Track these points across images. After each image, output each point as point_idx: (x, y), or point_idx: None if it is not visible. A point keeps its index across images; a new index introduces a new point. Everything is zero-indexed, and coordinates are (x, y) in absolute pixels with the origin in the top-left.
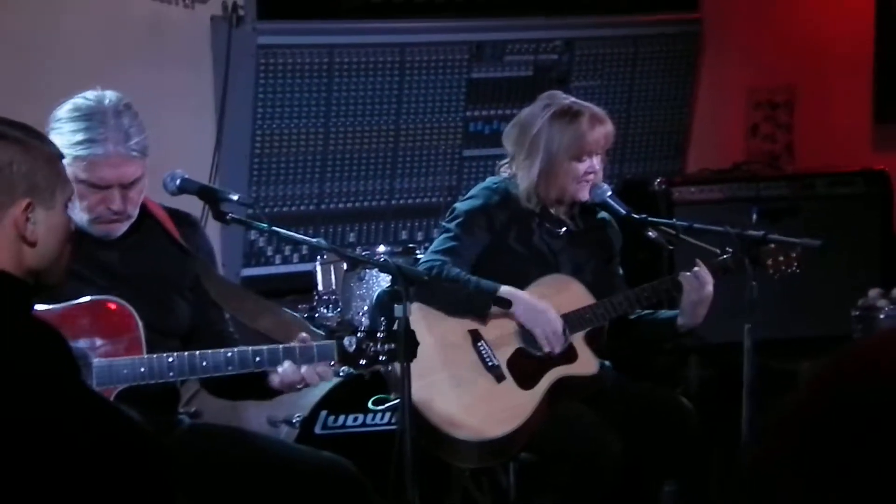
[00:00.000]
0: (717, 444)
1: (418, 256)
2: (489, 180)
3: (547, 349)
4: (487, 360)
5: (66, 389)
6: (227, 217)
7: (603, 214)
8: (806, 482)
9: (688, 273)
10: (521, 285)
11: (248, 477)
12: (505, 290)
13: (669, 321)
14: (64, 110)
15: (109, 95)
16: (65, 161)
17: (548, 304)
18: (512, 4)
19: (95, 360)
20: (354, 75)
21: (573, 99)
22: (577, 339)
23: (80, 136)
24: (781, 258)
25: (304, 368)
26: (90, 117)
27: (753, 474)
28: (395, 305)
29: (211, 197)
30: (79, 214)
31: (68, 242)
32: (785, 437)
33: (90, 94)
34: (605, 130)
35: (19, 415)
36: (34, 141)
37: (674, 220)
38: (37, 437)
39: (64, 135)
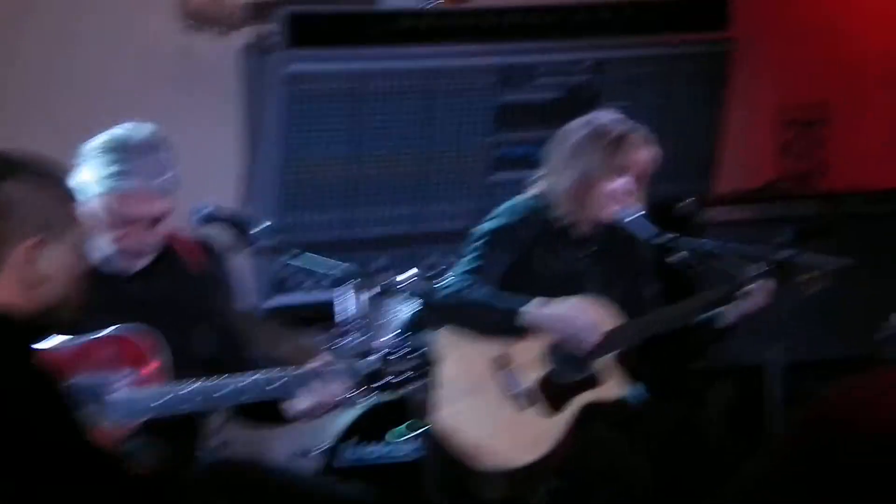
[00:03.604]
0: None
1: (446, 281)
2: (514, 199)
3: (581, 351)
4: (513, 386)
5: (54, 434)
6: (257, 245)
7: (631, 232)
8: None
9: (755, 288)
10: None
11: None
12: (530, 307)
13: (711, 322)
14: (99, 142)
15: (145, 129)
16: (96, 192)
17: (573, 308)
18: (540, 27)
19: (116, 394)
20: (384, 101)
21: (622, 118)
22: (607, 363)
23: (113, 169)
24: (812, 276)
25: (321, 391)
26: (125, 150)
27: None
28: (421, 333)
29: (240, 225)
30: (104, 246)
31: (79, 279)
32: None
33: (126, 127)
34: (647, 153)
35: (6, 460)
36: (50, 179)
37: (703, 240)
38: (25, 480)
39: (98, 166)
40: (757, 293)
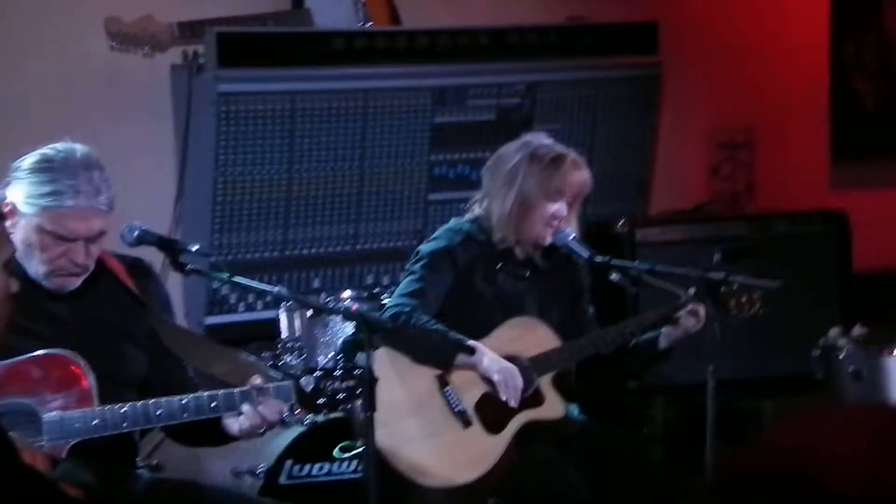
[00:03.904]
0: (683, 486)
1: (384, 302)
2: (453, 222)
3: (504, 398)
4: (454, 405)
5: None
6: (187, 268)
7: (568, 253)
8: None
9: (690, 311)
10: (487, 327)
11: None
12: (471, 343)
13: (648, 344)
14: (30, 161)
15: (79, 149)
16: (29, 212)
17: (509, 363)
18: (474, 50)
19: (47, 415)
20: (317, 121)
21: (554, 141)
22: (545, 383)
23: (49, 188)
24: (744, 299)
25: (261, 408)
26: (61, 169)
27: None
28: (359, 353)
29: (170, 248)
30: (36, 266)
31: (7, 303)
32: None
33: (59, 146)
34: (581, 177)
35: None
36: None
37: (636, 261)
38: None
39: (31, 184)
40: (691, 316)
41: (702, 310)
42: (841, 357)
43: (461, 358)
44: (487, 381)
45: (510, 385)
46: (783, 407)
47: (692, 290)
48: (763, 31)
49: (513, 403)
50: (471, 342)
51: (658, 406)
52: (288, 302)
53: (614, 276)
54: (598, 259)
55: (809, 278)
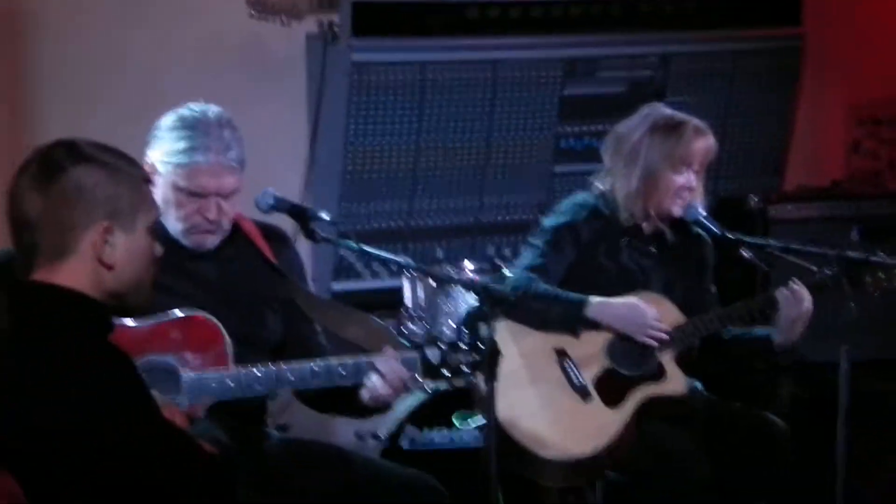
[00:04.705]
0: (811, 467)
1: (506, 274)
2: (578, 196)
3: (648, 342)
4: (574, 378)
5: (129, 411)
6: (317, 236)
7: (697, 230)
8: None
9: (784, 290)
10: None
11: (333, 492)
12: (594, 300)
13: (765, 338)
14: (168, 120)
15: (213, 109)
16: (165, 169)
17: (635, 299)
18: (606, 20)
19: (185, 375)
20: (447, 92)
21: (674, 111)
22: (667, 358)
23: (182, 145)
24: (882, 277)
25: (389, 377)
26: (194, 127)
27: None
28: (482, 324)
29: (301, 216)
30: (173, 224)
31: (151, 266)
32: None
33: (194, 106)
34: (706, 143)
35: (84, 433)
36: (121, 164)
37: (769, 238)
38: (98, 455)
39: (167, 142)
40: (790, 296)
41: (801, 290)
42: None
43: (586, 313)
44: (612, 347)
45: (641, 327)
46: None
47: (821, 270)
48: None
49: (656, 343)
50: (594, 299)
51: (787, 385)
52: (413, 272)
53: (746, 253)
54: (730, 235)
55: None
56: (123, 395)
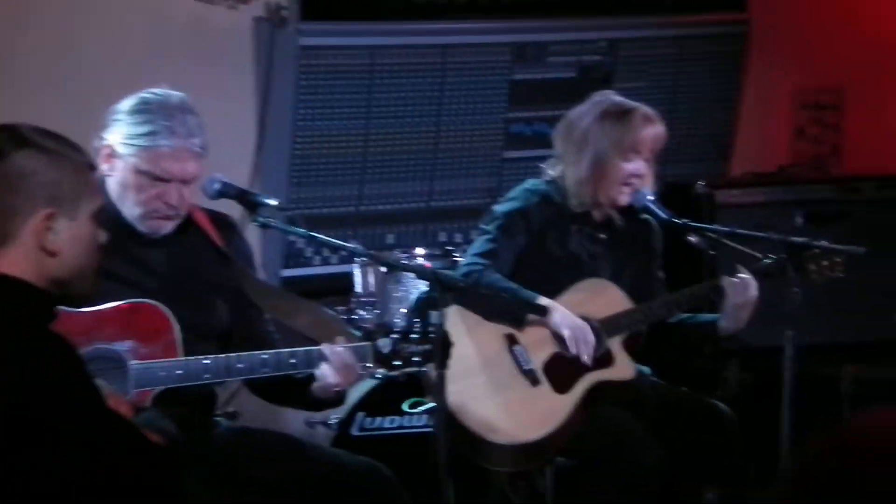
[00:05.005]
0: (757, 451)
1: (457, 259)
2: (529, 182)
3: (575, 353)
4: (523, 363)
5: (72, 400)
6: (265, 222)
7: (645, 216)
8: None
9: (730, 277)
10: (559, 289)
11: (283, 480)
12: (543, 300)
13: (711, 324)
14: (129, 103)
15: (175, 94)
16: (126, 152)
17: (584, 319)
18: (555, 5)
19: (132, 363)
20: (395, 76)
21: (624, 98)
22: (615, 344)
23: (146, 128)
24: (825, 263)
25: (338, 367)
26: (157, 111)
27: None
28: (432, 311)
29: (249, 202)
30: (130, 208)
31: (96, 253)
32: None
33: (157, 91)
34: (655, 131)
35: (25, 422)
36: (65, 149)
37: (716, 224)
38: (39, 444)
39: (128, 125)
40: (737, 285)
41: (747, 277)
42: None
43: (532, 316)
44: (558, 338)
45: (581, 340)
46: (862, 373)
47: (766, 256)
48: None
49: (585, 359)
50: (542, 300)
51: (733, 370)
52: (362, 258)
53: (693, 239)
54: (677, 220)
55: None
56: (67, 384)
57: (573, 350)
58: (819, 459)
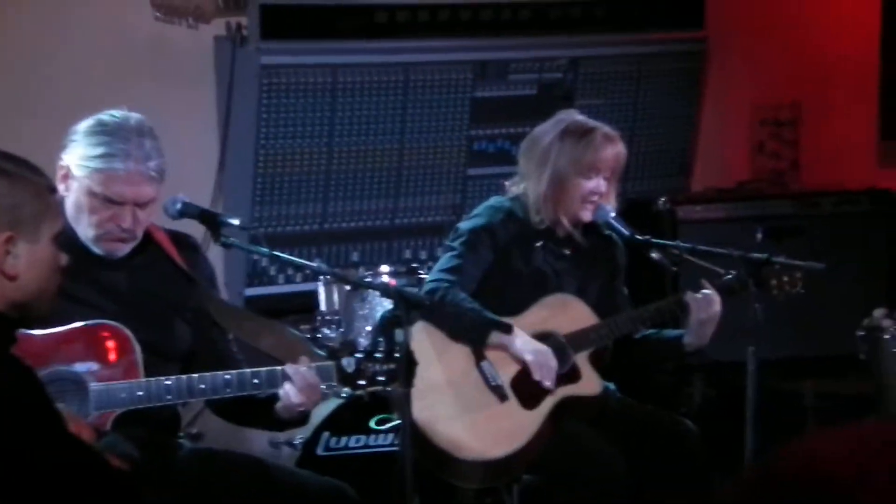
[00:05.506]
0: (721, 466)
1: (422, 276)
2: (493, 199)
3: (537, 378)
4: (491, 379)
5: (31, 426)
6: (228, 242)
7: (608, 232)
8: None
9: (694, 292)
10: (524, 305)
11: (247, 502)
12: (505, 322)
13: (675, 340)
14: (86, 124)
15: (134, 116)
16: (81, 174)
17: (543, 345)
18: (516, 23)
19: (93, 385)
20: (358, 95)
21: (587, 117)
22: (581, 360)
23: (101, 150)
24: (786, 279)
25: (301, 388)
26: (114, 133)
27: None
28: (396, 330)
29: (211, 221)
30: (85, 230)
31: (56, 276)
32: None
33: (115, 112)
34: (615, 150)
35: None
36: (24, 172)
37: (678, 239)
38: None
39: (84, 147)
40: (701, 299)
41: (710, 293)
42: (886, 338)
43: (495, 337)
44: (521, 362)
45: (544, 366)
46: (824, 388)
47: (727, 272)
48: (811, 4)
49: (548, 385)
50: (505, 322)
51: (697, 385)
52: (326, 276)
53: (655, 255)
54: (639, 237)
55: (856, 258)
56: (26, 410)
57: (536, 376)
58: (746, 490)
